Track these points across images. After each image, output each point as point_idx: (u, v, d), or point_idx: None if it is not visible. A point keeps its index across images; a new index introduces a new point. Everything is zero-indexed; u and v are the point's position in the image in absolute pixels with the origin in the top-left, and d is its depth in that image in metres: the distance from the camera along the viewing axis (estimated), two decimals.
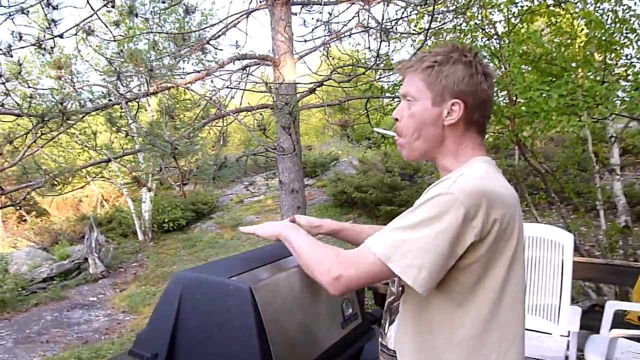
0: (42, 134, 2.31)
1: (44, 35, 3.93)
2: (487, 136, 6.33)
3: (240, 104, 4.92)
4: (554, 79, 4.87)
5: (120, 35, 5.08)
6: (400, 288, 1.19)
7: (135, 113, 2.58)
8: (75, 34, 4.18)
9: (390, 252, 0.97)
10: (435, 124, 1.12)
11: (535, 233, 3.09)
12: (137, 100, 2.69)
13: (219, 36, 4.86)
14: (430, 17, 3.47)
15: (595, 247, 6.84)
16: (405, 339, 1.12)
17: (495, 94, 5.27)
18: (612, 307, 2.79)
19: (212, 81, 3.96)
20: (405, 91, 1.16)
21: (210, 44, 5.04)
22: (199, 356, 1.12)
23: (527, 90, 4.19)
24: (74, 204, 15.40)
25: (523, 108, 4.59)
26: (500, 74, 5.36)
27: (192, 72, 3.85)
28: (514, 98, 5.25)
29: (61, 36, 4.02)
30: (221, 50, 6.28)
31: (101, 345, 5.33)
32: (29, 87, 2.57)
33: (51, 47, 4.02)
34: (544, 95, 4.19)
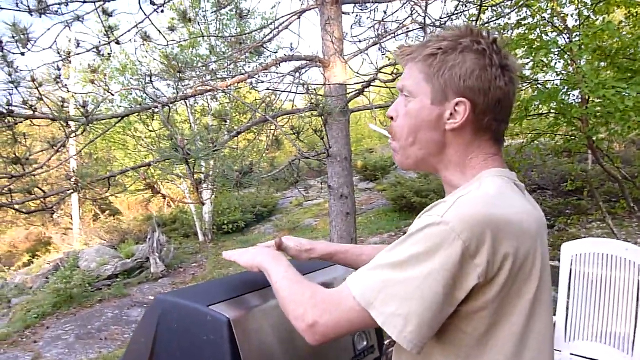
0: (75, 136, 2.30)
1: (100, 42, 4.05)
2: (557, 138, 5.86)
3: (293, 106, 4.84)
4: (633, 76, 4.37)
5: (173, 40, 5.15)
6: None
7: (167, 116, 2.52)
8: (131, 40, 4.28)
9: (371, 297, 0.77)
10: (434, 127, 0.90)
11: (606, 250, 2.72)
12: (170, 104, 2.64)
13: (272, 39, 4.80)
14: (479, 8, 3.17)
15: None
16: None
17: (565, 93, 4.80)
18: None
19: (251, 84, 3.86)
20: (402, 84, 0.94)
21: (265, 47, 5.01)
22: None
23: (600, 88, 3.76)
24: (144, 204, 16.13)
25: (597, 108, 4.14)
26: (572, 71, 4.91)
27: (235, 75, 3.78)
28: (587, 97, 4.78)
29: (117, 42, 4.11)
30: (275, 52, 6.25)
31: None
32: (68, 92, 2.58)
33: (108, 54, 4.12)
34: (621, 93, 3.74)
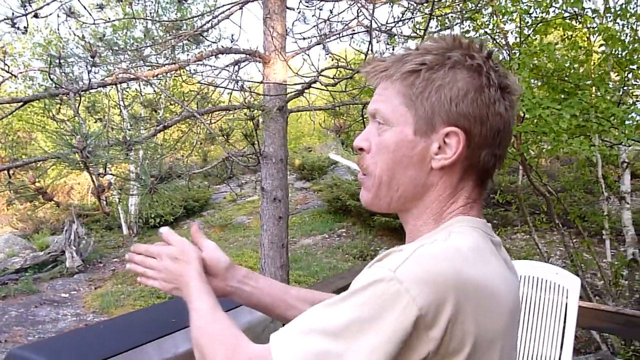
0: None
1: (13, 13, 3.60)
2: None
3: (230, 102, 4.56)
4: (565, 97, 4.49)
5: (101, 19, 4.70)
6: None
7: (78, 105, 2.19)
8: (57, 15, 3.85)
9: None
10: (416, 164, 0.72)
11: (536, 273, 2.71)
12: (84, 91, 2.30)
13: (210, 27, 4.51)
14: (429, 17, 3.08)
15: (597, 276, 6.46)
16: None
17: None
18: None
19: (180, 75, 3.57)
20: (374, 109, 0.75)
21: (203, 36, 4.70)
22: None
23: (537, 107, 3.80)
24: (65, 191, 15.05)
25: (531, 126, 4.21)
26: None
27: (166, 64, 3.47)
28: (522, 114, 4.88)
29: (36, 15, 3.67)
30: (215, 42, 5.92)
31: None
32: None
33: (25, 27, 3.67)
34: (554, 114, 3.81)
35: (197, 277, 0.84)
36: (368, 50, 3.37)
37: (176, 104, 7.45)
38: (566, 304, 2.64)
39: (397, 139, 0.72)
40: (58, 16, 3.93)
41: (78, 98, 2.11)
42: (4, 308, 6.45)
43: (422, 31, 3.74)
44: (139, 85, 9.33)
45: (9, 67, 2.08)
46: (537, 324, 2.67)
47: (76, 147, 1.30)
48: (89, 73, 2.19)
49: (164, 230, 0.94)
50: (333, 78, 3.55)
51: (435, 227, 0.72)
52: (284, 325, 0.67)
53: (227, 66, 4.09)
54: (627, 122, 4.14)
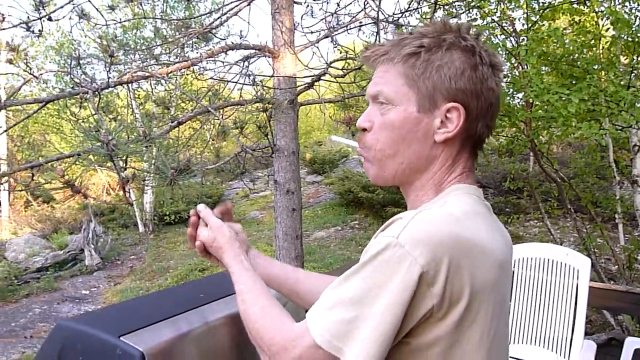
0: None
1: (29, 17, 3.70)
2: (500, 139, 6.01)
3: (240, 97, 4.64)
4: (574, 82, 4.50)
5: (113, 20, 4.81)
6: None
7: (97, 103, 2.29)
8: (69, 17, 3.95)
9: (338, 341, 0.67)
10: (421, 138, 0.78)
11: (547, 255, 2.75)
12: (101, 90, 2.40)
13: (219, 25, 4.59)
14: (434, 5, 3.13)
15: (612, 261, 6.46)
16: None
17: (510, 95, 4.93)
18: (632, 345, 2.44)
19: (193, 71, 3.65)
20: (376, 91, 0.81)
21: (212, 33, 4.78)
22: None
23: (545, 92, 3.83)
24: (82, 190, 15.26)
25: (540, 112, 4.23)
26: (518, 75, 5.00)
27: (177, 62, 3.55)
28: (531, 101, 4.89)
29: (50, 18, 3.78)
30: (224, 39, 6.00)
31: None
32: None
33: (39, 30, 3.78)
34: (563, 99, 3.83)
35: (232, 261, 0.91)
36: (376, 41, 3.42)
37: (187, 102, 7.56)
38: (577, 284, 2.68)
39: (402, 116, 0.78)
40: (70, 18, 4.04)
41: (97, 96, 2.20)
42: (28, 305, 6.63)
43: (429, 20, 3.77)
44: (150, 85, 9.46)
45: (30, 68, 2.18)
46: (549, 305, 2.72)
47: (102, 140, 1.38)
48: (108, 72, 2.28)
49: (201, 208, 1.01)
50: (342, 70, 3.60)
51: (434, 196, 0.80)
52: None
53: (237, 62, 4.17)
54: (637, 105, 4.15)
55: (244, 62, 4.23)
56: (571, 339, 2.62)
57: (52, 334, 0.90)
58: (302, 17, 4.09)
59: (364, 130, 0.83)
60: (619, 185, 6.05)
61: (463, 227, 0.70)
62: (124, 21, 5.72)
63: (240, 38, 4.62)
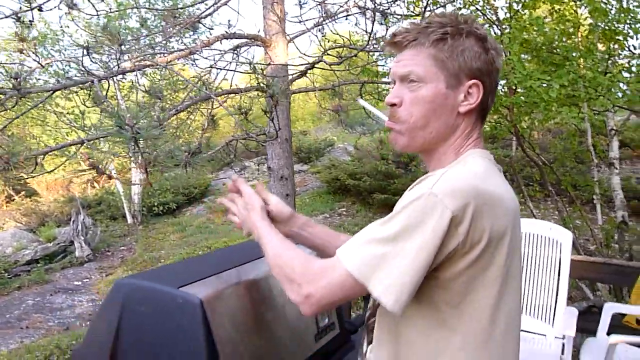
0: (4, 110, 2.11)
1: (21, 8, 3.73)
2: (484, 126, 6.22)
3: (231, 85, 4.71)
4: (554, 69, 4.69)
5: (104, 11, 4.84)
6: (376, 303, 1.02)
7: (106, 92, 2.37)
8: (57, 7, 3.98)
9: (367, 271, 0.81)
10: (449, 110, 0.94)
11: (532, 230, 2.94)
12: (109, 78, 2.48)
13: (210, 15, 4.65)
14: None
15: (590, 241, 6.74)
16: None
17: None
18: (610, 309, 2.65)
19: (194, 61, 3.73)
20: (407, 71, 0.94)
21: (201, 23, 4.83)
22: None
23: (527, 79, 4.01)
24: (64, 184, 15.14)
25: (522, 98, 4.41)
26: (501, 62, 5.17)
27: (176, 51, 3.63)
28: (514, 87, 5.07)
29: (40, 9, 3.80)
30: (212, 29, 6.04)
31: (82, 333, 5.18)
32: None
33: (30, 21, 3.81)
34: (544, 85, 4.01)
35: (261, 220, 1.05)
36: (372, 30, 3.54)
37: (175, 92, 7.59)
38: (560, 257, 2.87)
39: (433, 92, 0.93)
40: (59, 8, 4.06)
41: (102, 84, 2.29)
42: (21, 297, 6.66)
43: (423, 9, 3.93)
44: (136, 76, 9.42)
45: (39, 57, 2.25)
46: (535, 276, 2.91)
47: (128, 124, 1.49)
48: (117, 60, 2.36)
49: (236, 178, 1.14)
50: (338, 57, 3.72)
51: (454, 159, 0.96)
52: None
53: (230, 50, 4.24)
54: (613, 90, 4.36)
55: (234, 50, 4.31)
56: (555, 307, 2.82)
57: (113, 290, 1.02)
58: (299, 5, 4.15)
59: (393, 105, 0.97)
60: (597, 168, 6.31)
61: (484, 181, 0.85)
62: (116, 11, 5.73)
63: (229, 27, 4.69)
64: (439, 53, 0.92)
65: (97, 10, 4.70)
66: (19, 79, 1.84)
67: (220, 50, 3.88)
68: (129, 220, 11.00)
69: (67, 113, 9.72)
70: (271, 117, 2.68)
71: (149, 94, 6.43)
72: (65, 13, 4.31)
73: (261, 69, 3.39)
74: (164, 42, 4.84)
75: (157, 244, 9.35)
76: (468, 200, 0.80)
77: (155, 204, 11.21)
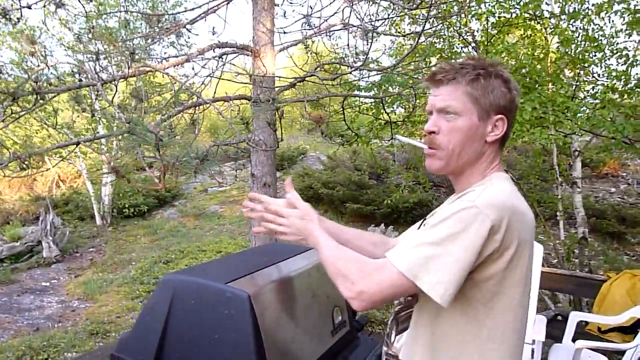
0: (29, 111, 2.16)
1: (12, 5, 3.74)
2: None
3: (215, 92, 4.80)
4: (526, 92, 4.99)
5: (93, 11, 4.85)
6: (409, 298, 1.17)
7: (113, 96, 2.45)
8: (44, 6, 3.99)
9: (417, 270, 0.96)
10: (479, 139, 1.11)
11: None
12: (113, 82, 2.56)
13: (197, 21, 4.73)
14: (424, 20, 3.47)
15: (552, 255, 7.10)
16: (417, 351, 1.11)
17: None
18: (575, 318, 2.87)
19: (193, 68, 3.82)
20: (445, 104, 1.11)
21: (187, 28, 4.90)
22: None
23: None
24: (28, 183, 14.72)
25: None
26: None
27: (172, 57, 3.71)
28: None
29: (29, 7, 3.82)
30: (197, 35, 6.06)
31: (54, 334, 5.11)
32: None
33: (17, 18, 3.82)
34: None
35: (319, 229, 1.18)
36: (370, 46, 3.69)
37: (156, 96, 7.56)
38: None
39: (468, 123, 1.10)
40: (44, 6, 4.08)
41: (106, 88, 2.36)
42: None
43: (404, 33, 4.12)
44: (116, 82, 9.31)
45: (46, 60, 2.30)
46: None
47: (152, 131, 1.59)
48: (128, 66, 2.44)
49: (290, 196, 1.27)
50: (331, 73, 3.87)
51: (481, 180, 1.13)
52: None
53: (214, 57, 4.33)
54: (579, 115, 4.68)
55: (219, 58, 4.39)
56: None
57: (161, 284, 1.13)
58: (284, 15, 4.27)
59: (432, 132, 1.13)
60: (560, 186, 6.68)
61: (513, 198, 1.03)
62: (109, 13, 5.74)
63: (213, 34, 4.78)
64: (473, 91, 1.09)
65: (86, 11, 4.72)
66: (38, 82, 1.91)
67: (206, 57, 3.96)
68: (98, 221, 10.81)
69: (38, 110, 9.52)
70: (274, 127, 2.80)
71: (133, 97, 6.43)
72: (52, 12, 4.33)
73: (255, 78, 3.51)
74: (147, 45, 4.89)
75: (128, 246, 9.24)
76: (504, 213, 0.97)
77: (126, 205, 11.07)
